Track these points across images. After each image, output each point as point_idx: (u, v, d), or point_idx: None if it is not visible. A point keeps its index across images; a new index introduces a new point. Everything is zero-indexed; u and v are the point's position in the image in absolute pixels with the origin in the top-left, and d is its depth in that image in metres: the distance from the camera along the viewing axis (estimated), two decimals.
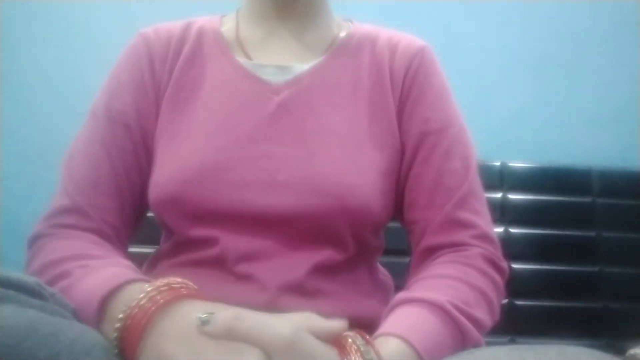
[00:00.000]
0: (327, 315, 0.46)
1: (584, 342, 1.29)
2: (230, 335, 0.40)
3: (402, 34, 0.73)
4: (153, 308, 0.44)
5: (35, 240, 0.61)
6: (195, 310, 0.43)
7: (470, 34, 1.53)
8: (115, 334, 0.44)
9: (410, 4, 1.48)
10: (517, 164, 1.40)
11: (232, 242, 0.60)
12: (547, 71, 1.54)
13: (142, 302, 0.44)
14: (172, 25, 0.72)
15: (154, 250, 0.70)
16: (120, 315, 0.44)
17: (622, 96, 1.53)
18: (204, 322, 0.41)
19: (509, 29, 1.54)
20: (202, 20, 0.74)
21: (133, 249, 0.97)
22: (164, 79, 0.68)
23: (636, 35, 1.53)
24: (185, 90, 0.67)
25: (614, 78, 1.54)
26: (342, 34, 0.73)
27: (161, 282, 0.46)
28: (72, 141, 0.67)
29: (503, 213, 1.34)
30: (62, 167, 0.65)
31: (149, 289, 0.45)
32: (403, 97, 0.68)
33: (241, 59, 0.69)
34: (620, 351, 1.22)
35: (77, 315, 0.44)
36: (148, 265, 0.69)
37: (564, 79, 1.54)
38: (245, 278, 0.59)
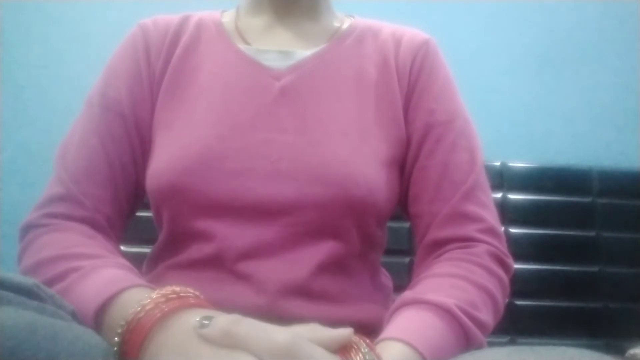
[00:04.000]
0: (329, 320, 0.46)
1: (584, 342, 1.29)
2: (227, 339, 0.39)
3: (404, 27, 0.74)
4: (158, 315, 0.43)
5: (27, 231, 0.60)
6: (193, 318, 0.42)
7: (470, 34, 1.53)
8: (115, 348, 0.43)
9: (410, 4, 1.48)
10: (517, 164, 1.39)
11: (230, 237, 0.59)
12: (547, 71, 1.54)
13: (140, 316, 0.44)
14: (171, 17, 0.72)
15: (151, 249, 0.69)
16: (119, 330, 0.43)
17: (623, 96, 1.53)
18: (203, 325, 0.41)
19: (509, 30, 1.54)
20: (202, 13, 0.73)
21: (130, 249, 0.98)
22: (158, 68, 0.68)
23: (637, 36, 1.53)
24: (184, 79, 0.67)
25: (614, 78, 1.54)
26: (344, 26, 0.73)
27: (158, 292, 0.45)
28: (68, 130, 0.67)
29: (503, 213, 1.33)
30: (57, 156, 0.65)
31: (145, 301, 0.44)
32: (410, 88, 0.68)
33: (241, 45, 0.69)
34: (620, 351, 1.22)
35: (76, 316, 0.44)
36: (147, 266, 0.68)
37: (564, 79, 1.54)
38: (245, 278, 0.59)
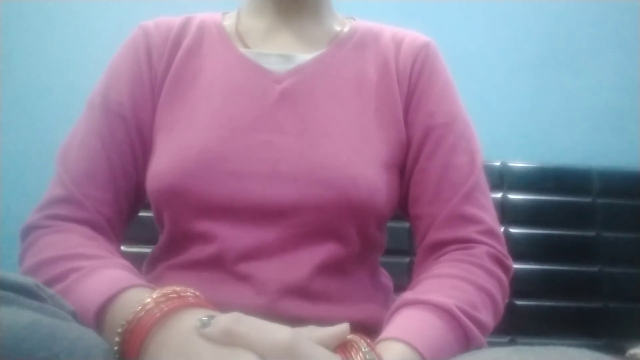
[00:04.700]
0: (329, 320, 0.46)
1: (584, 342, 1.29)
2: (229, 338, 0.39)
3: (405, 30, 0.74)
4: (158, 315, 0.43)
5: (28, 232, 0.61)
6: (193, 318, 0.43)
7: (470, 34, 1.53)
8: (115, 347, 0.44)
9: (410, 4, 1.48)
10: (517, 164, 1.39)
11: (231, 238, 0.59)
12: (547, 71, 1.54)
13: (140, 315, 0.44)
14: (172, 19, 0.73)
15: (151, 250, 0.69)
16: (120, 330, 0.44)
17: (622, 96, 1.53)
18: (204, 324, 0.41)
19: (509, 30, 1.54)
20: (203, 15, 0.74)
21: (131, 249, 0.98)
22: (160, 70, 0.68)
23: (637, 36, 1.53)
24: (185, 81, 0.67)
25: (614, 78, 1.53)
26: (345, 29, 0.73)
27: (159, 292, 0.46)
28: (69, 132, 0.67)
29: (503, 213, 1.33)
30: (58, 157, 0.65)
31: (146, 301, 0.45)
32: (410, 90, 0.69)
33: (242, 49, 0.69)
34: (620, 351, 1.22)
35: (76, 317, 0.44)
36: (147, 266, 0.68)
37: (564, 79, 1.54)
38: (245, 279, 0.59)
